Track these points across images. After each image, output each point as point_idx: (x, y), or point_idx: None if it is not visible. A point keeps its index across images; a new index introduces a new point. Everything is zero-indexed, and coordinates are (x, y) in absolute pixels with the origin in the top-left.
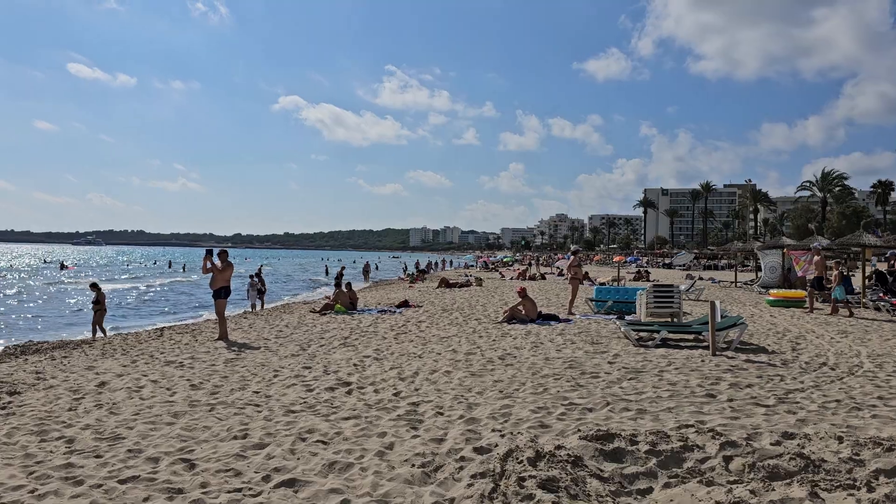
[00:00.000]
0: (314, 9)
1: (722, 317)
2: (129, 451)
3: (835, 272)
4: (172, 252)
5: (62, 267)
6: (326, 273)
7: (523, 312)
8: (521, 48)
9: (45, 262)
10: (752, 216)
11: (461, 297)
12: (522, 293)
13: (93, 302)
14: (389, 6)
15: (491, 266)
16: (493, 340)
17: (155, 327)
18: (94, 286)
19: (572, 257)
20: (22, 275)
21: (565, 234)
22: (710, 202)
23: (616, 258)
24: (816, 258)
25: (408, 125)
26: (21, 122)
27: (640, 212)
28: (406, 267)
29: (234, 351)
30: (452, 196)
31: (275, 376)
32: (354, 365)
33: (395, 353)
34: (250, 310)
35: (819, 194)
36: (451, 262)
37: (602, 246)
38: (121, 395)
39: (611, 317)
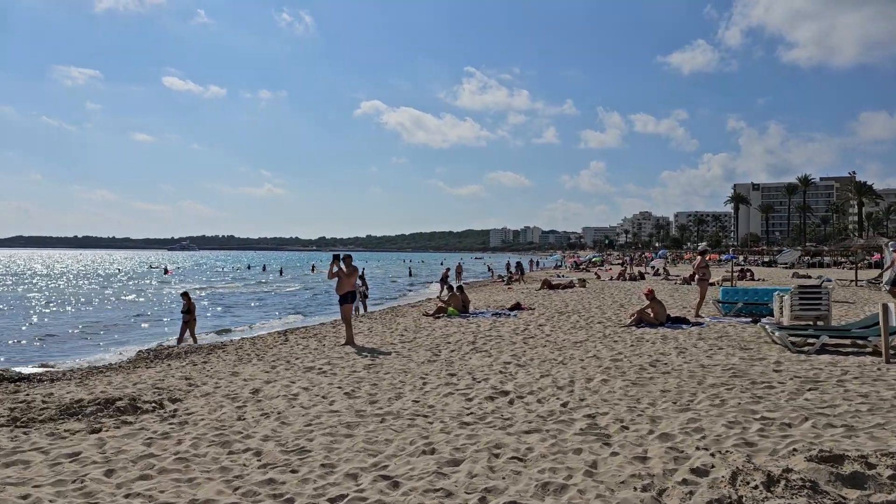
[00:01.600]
0: (395, 15)
1: None
2: (323, 465)
3: None
4: (262, 256)
5: (165, 272)
6: (410, 274)
7: (652, 316)
8: (603, 44)
9: (150, 267)
10: (854, 210)
11: (570, 298)
12: (650, 295)
13: (183, 311)
14: (469, 8)
15: (581, 266)
16: (632, 345)
17: (275, 331)
18: (185, 295)
19: (699, 258)
20: (132, 279)
21: (650, 233)
22: (807, 196)
23: (709, 257)
24: None
25: (487, 126)
26: (121, 135)
27: (729, 208)
28: (490, 268)
29: (367, 356)
30: (532, 196)
31: (424, 384)
32: (500, 372)
33: (535, 360)
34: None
35: None
36: (537, 263)
37: (689, 244)
38: (280, 404)
39: (741, 319)
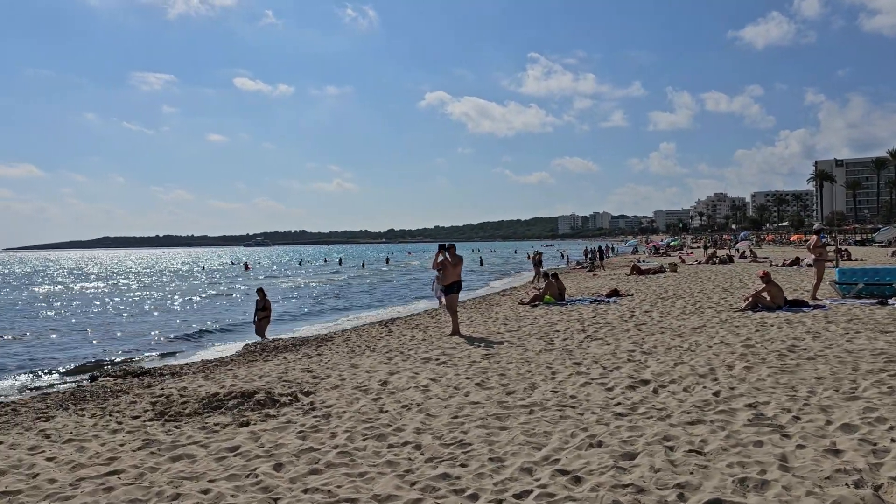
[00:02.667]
0: (457, 4)
1: None
2: (491, 459)
3: None
4: (336, 249)
5: (246, 267)
6: (481, 264)
7: (768, 299)
8: (671, 21)
9: (232, 263)
10: None
11: (665, 284)
12: (766, 277)
13: (258, 309)
14: None
15: (661, 251)
16: (757, 330)
17: (376, 321)
18: (260, 291)
19: (814, 237)
20: (216, 275)
21: (726, 215)
22: (891, 171)
23: (794, 237)
24: None
25: (553, 112)
26: (196, 136)
27: (811, 186)
28: (563, 255)
29: (480, 346)
30: (600, 181)
31: (553, 373)
32: (629, 360)
33: (658, 347)
34: (437, 306)
35: None
36: (613, 249)
37: (768, 225)
38: (415, 395)
39: (864, 301)
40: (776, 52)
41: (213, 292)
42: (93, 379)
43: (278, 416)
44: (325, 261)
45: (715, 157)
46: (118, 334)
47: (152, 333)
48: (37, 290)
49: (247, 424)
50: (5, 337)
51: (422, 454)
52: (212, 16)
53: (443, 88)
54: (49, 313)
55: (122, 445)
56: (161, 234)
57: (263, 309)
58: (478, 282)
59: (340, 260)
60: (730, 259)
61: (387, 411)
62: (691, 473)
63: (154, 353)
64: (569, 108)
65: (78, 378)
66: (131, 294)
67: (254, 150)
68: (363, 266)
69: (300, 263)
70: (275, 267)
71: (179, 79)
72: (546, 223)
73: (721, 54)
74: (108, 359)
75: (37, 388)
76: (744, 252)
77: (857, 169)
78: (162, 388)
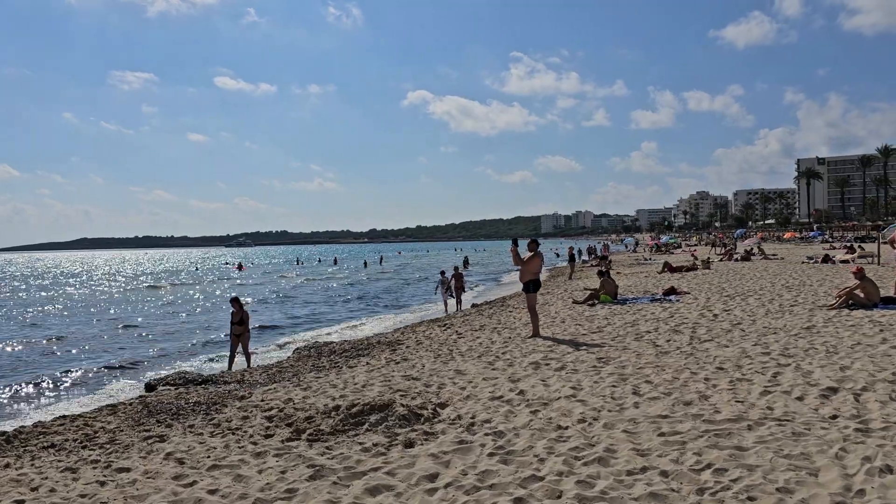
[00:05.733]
0: (441, 2)
1: None
2: (779, 490)
3: None
4: (324, 249)
5: (239, 268)
6: (465, 265)
7: (863, 296)
8: (654, 20)
9: (225, 263)
10: None
11: (711, 281)
12: (860, 274)
13: (234, 322)
14: None
15: (662, 248)
16: (881, 331)
17: (434, 325)
18: (235, 302)
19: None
20: (211, 277)
21: (709, 213)
22: (876, 169)
23: (787, 234)
24: None
25: (536, 111)
26: (177, 136)
27: (793, 184)
28: (557, 254)
29: (579, 349)
30: (582, 180)
31: (705, 379)
32: (778, 365)
33: (790, 349)
34: (445, 313)
35: None
36: (607, 247)
37: (751, 223)
38: (574, 406)
39: None
40: (757, 51)
41: (221, 293)
42: (149, 388)
43: (437, 433)
44: (320, 260)
45: (696, 157)
46: (147, 336)
47: (176, 337)
48: (42, 294)
49: (412, 445)
50: (36, 341)
51: (680, 484)
52: (193, 14)
53: (425, 87)
54: (62, 315)
55: (284, 472)
56: (140, 235)
57: (241, 323)
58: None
59: (336, 259)
60: (748, 257)
61: (566, 427)
62: None
63: (197, 358)
64: (552, 107)
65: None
66: (144, 297)
67: (235, 149)
68: (365, 265)
69: (298, 262)
70: (269, 266)
71: (160, 78)
72: (529, 222)
73: (703, 54)
74: (144, 364)
75: (87, 396)
76: (751, 249)
77: (841, 167)
78: (263, 400)
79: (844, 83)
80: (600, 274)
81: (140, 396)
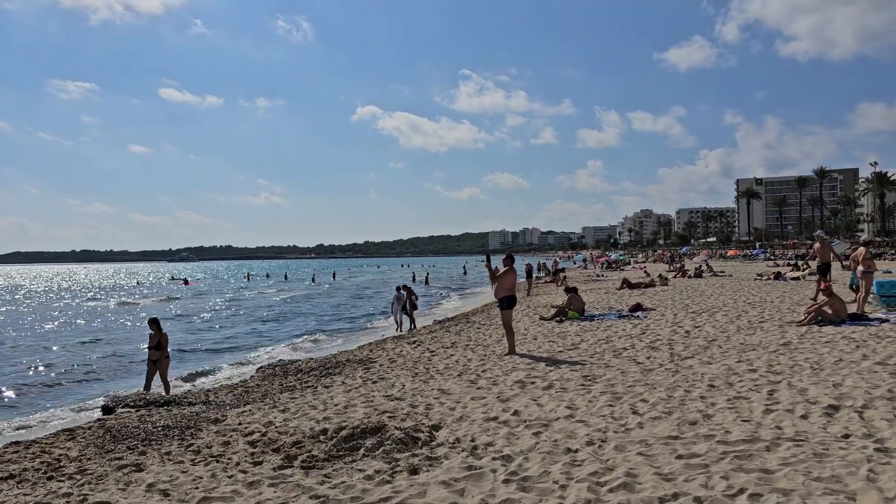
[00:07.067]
0: (391, 19)
1: None
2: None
3: None
4: (266, 265)
5: (185, 283)
6: (417, 279)
7: (831, 312)
8: (600, 42)
9: (171, 278)
10: (877, 200)
11: (673, 297)
12: (829, 291)
13: (152, 347)
14: (465, 11)
15: (614, 265)
16: (858, 347)
17: (405, 341)
18: (154, 323)
19: (862, 249)
20: (157, 292)
21: (653, 230)
22: (811, 189)
23: (730, 252)
24: None
25: (485, 128)
26: (118, 147)
27: (731, 203)
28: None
29: (560, 367)
30: (529, 197)
31: (701, 397)
32: (768, 383)
33: (774, 365)
34: (397, 331)
35: None
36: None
37: (694, 241)
38: (576, 428)
39: None
40: (699, 74)
41: (175, 310)
42: (107, 411)
43: (440, 457)
44: (268, 275)
45: (640, 175)
46: (89, 356)
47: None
48: None
49: (416, 471)
50: None
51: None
52: (138, 23)
53: (374, 103)
54: None
55: None
56: (78, 249)
57: (158, 347)
58: (440, 297)
59: (286, 275)
60: (699, 274)
61: (575, 450)
62: None
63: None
64: (501, 125)
65: (75, 409)
66: (84, 312)
67: (179, 162)
68: (314, 280)
69: (247, 278)
70: (218, 282)
71: (101, 87)
72: (476, 238)
73: (647, 75)
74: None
75: (41, 422)
76: (701, 267)
77: (777, 187)
78: (240, 424)
79: (780, 107)
80: (567, 290)
81: (98, 420)
